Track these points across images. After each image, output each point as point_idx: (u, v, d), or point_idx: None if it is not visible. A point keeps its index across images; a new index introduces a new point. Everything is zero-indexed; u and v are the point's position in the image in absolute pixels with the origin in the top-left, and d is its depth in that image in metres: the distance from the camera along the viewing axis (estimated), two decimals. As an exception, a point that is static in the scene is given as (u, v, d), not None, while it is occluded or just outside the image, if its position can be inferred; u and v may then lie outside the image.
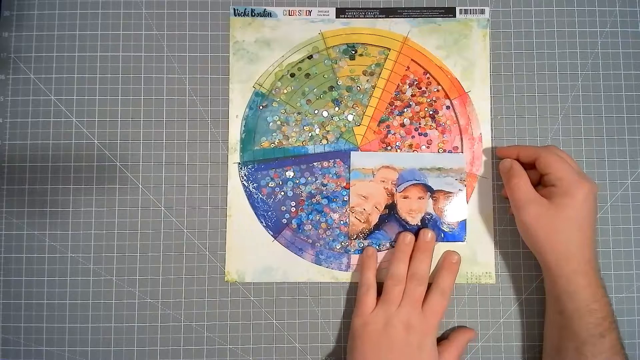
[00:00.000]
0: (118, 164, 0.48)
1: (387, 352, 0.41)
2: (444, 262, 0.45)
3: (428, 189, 0.47)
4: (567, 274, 0.41)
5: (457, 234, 0.47)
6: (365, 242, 0.47)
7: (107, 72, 0.48)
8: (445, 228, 0.47)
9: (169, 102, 0.48)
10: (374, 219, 0.47)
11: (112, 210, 0.47)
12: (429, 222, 0.47)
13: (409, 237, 0.45)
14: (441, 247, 0.47)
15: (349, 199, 0.47)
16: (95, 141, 0.48)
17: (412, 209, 0.47)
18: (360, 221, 0.47)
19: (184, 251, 0.47)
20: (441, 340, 0.45)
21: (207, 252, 0.47)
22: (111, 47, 0.48)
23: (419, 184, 0.47)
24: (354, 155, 0.48)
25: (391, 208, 0.47)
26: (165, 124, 0.48)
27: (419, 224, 0.47)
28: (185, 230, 0.47)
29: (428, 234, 0.45)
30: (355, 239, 0.47)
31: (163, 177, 0.48)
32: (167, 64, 0.48)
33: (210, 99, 0.48)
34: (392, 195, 0.47)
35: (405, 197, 0.47)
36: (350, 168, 0.47)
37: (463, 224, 0.47)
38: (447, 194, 0.47)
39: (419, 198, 0.47)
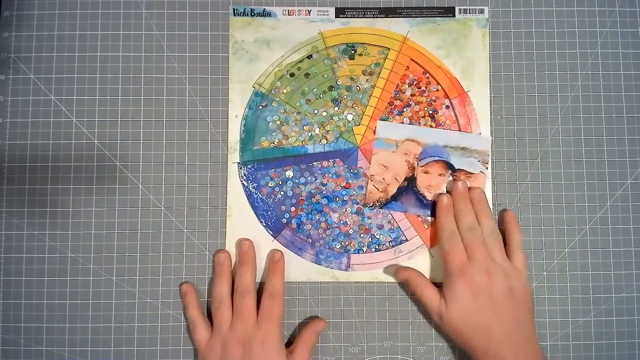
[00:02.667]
0: (118, 164, 0.48)
1: None
2: (268, 263, 0.46)
3: (449, 167, 0.47)
4: None
5: None
6: (381, 212, 0.47)
7: (107, 72, 0.48)
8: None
9: (169, 102, 0.48)
10: (392, 190, 0.47)
11: (112, 210, 0.47)
12: None
13: (222, 255, 0.45)
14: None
15: (350, 199, 0.47)
16: (95, 141, 0.48)
17: (431, 184, 0.47)
18: (379, 190, 0.47)
19: (184, 251, 0.47)
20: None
21: (207, 252, 0.47)
22: (111, 47, 0.49)
23: (441, 160, 0.47)
24: (380, 124, 0.48)
25: (410, 181, 0.47)
26: (165, 124, 0.48)
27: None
28: (185, 230, 0.47)
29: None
30: (371, 207, 0.47)
31: (163, 177, 0.48)
32: (167, 64, 0.48)
33: (210, 99, 0.48)
34: (412, 168, 0.47)
35: (426, 172, 0.47)
36: (375, 137, 0.48)
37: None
38: (468, 174, 0.47)
39: (440, 175, 0.47)
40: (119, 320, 0.46)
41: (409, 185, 0.47)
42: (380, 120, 0.48)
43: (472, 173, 0.47)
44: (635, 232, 0.47)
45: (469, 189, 0.46)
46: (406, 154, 0.47)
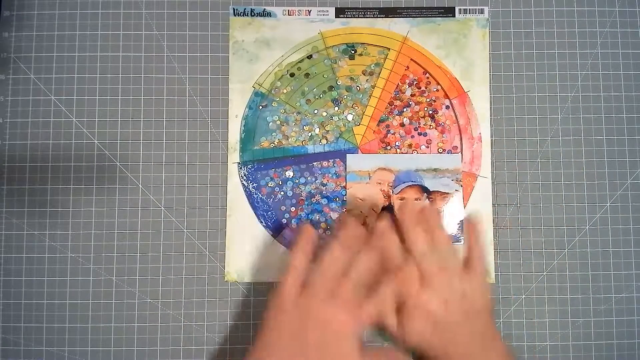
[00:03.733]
0: (118, 164, 0.48)
1: None
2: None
3: (424, 190, 0.47)
4: None
5: (455, 234, 0.47)
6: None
7: (107, 72, 0.48)
8: None
9: (169, 102, 0.48)
10: (371, 222, 0.47)
11: (112, 210, 0.47)
12: None
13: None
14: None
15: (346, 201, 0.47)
16: (95, 141, 0.48)
17: None
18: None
19: (184, 251, 0.47)
20: None
21: (207, 252, 0.47)
22: (111, 47, 0.48)
23: (415, 185, 0.47)
24: (349, 157, 0.48)
25: (388, 210, 0.47)
26: (165, 124, 0.48)
27: None
28: (185, 230, 0.47)
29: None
30: None
31: (163, 177, 0.48)
32: (167, 64, 0.48)
33: (210, 99, 0.48)
34: (388, 197, 0.47)
35: (402, 199, 0.47)
36: (347, 171, 0.47)
37: (460, 224, 0.47)
38: (444, 194, 0.47)
39: (416, 199, 0.47)
40: (119, 320, 0.46)
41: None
42: (349, 154, 0.47)
43: (447, 193, 0.47)
44: (635, 232, 0.47)
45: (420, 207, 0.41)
46: (380, 183, 0.47)
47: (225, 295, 0.47)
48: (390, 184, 0.47)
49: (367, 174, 0.47)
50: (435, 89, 0.49)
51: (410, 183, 0.47)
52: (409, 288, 0.38)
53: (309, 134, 0.48)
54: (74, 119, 0.48)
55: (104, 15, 0.49)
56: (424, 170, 0.47)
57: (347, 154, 0.48)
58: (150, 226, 0.47)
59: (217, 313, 0.46)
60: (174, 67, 0.48)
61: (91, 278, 0.47)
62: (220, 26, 0.49)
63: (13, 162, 0.47)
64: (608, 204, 0.48)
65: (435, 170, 0.47)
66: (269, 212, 0.47)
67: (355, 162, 0.48)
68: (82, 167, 0.47)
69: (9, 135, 0.48)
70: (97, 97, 0.48)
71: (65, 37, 0.48)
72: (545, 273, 0.47)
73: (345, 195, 0.47)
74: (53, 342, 0.46)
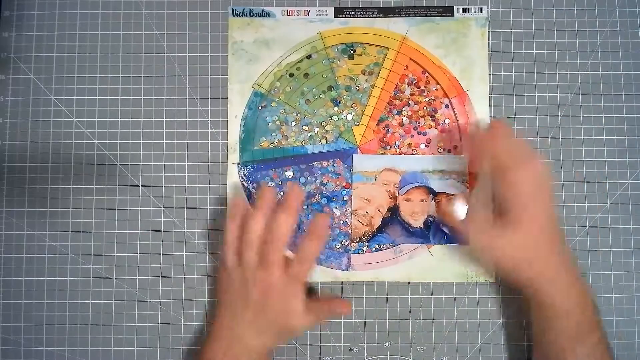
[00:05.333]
0: (118, 164, 0.48)
1: None
2: (309, 225, 0.42)
3: (430, 191, 0.47)
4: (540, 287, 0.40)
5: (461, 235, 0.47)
6: (366, 246, 0.47)
7: (107, 72, 0.48)
8: (448, 230, 0.47)
9: (169, 102, 0.48)
10: (377, 222, 0.47)
11: (112, 210, 0.47)
12: (432, 225, 0.47)
13: (269, 189, 0.43)
14: (445, 250, 0.47)
15: (350, 200, 0.47)
16: (95, 141, 0.48)
17: (415, 211, 0.47)
18: (363, 224, 0.47)
19: (184, 251, 0.47)
20: None
21: (207, 252, 0.47)
22: (111, 47, 0.49)
23: (421, 186, 0.47)
24: (355, 158, 0.48)
25: (394, 211, 0.47)
26: (165, 124, 0.48)
27: (422, 226, 0.47)
28: (185, 230, 0.47)
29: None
30: (358, 242, 0.47)
31: (163, 177, 0.48)
32: (167, 64, 0.48)
33: (210, 99, 0.48)
34: (394, 197, 0.47)
35: (407, 200, 0.47)
36: (353, 171, 0.47)
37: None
38: (450, 196, 0.47)
39: (422, 200, 0.47)
40: (119, 320, 0.46)
41: (393, 216, 0.47)
42: (355, 155, 0.47)
43: (453, 194, 0.47)
44: (635, 232, 0.47)
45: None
46: (385, 184, 0.47)
47: (225, 295, 0.47)
48: (396, 185, 0.47)
49: (373, 175, 0.47)
50: (434, 89, 0.49)
51: (416, 184, 0.47)
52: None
53: (309, 134, 0.48)
54: (74, 119, 0.48)
55: (104, 15, 0.49)
56: (430, 172, 0.47)
57: (353, 155, 0.48)
58: (150, 226, 0.47)
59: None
60: (174, 67, 0.48)
61: (91, 278, 0.47)
62: (220, 26, 0.49)
63: (13, 162, 0.47)
64: (608, 204, 0.48)
65: (441, 171, 0.47)
66: (269, 212, 0.47)
67: (360, 162, 0.48)
68: (82, 167, 0.47)
69: (9, 135, 0.48)
70: (97, 97, 0.48)
71: (65, 37, 0.48)
72: (545, 273, 0.47)
73: (345, 195, 0.47)
74: (53, 342, 0.46)
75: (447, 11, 0.49)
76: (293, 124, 0.48)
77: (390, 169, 0.47)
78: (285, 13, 0.49)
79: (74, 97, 0.48)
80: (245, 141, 0.48)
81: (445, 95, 0.48)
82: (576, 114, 0.48)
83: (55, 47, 0.48)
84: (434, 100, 0.48)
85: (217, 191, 0.48)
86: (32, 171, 0.47)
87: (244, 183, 0.48)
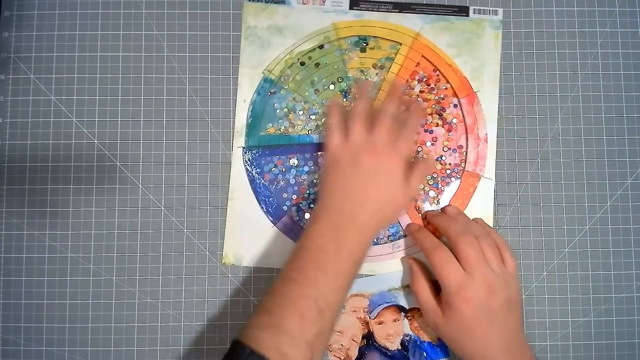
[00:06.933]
0: (118, 164, 0.48)
1: None
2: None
3: (401, 309, 0.46)
4: None
5: (441, 349, 0.46)
6: None
7: (107, 72, 0.48)
8: (427, 346, 0.46)
9: (169, 102, 0.48)
10: (354, 353, 0.45)
11: (112, 210, 0.47)
12: (410, 344, 0.45)
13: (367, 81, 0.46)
14: None
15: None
16: (95, 141, 0.48)
17: (390, 333, 0.45)
18: (340, 359, 0.45)
19: (184, 251, 0.47)
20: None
21: (207, 252, 0.47)
22: (111, 47, 0.48)
23: (391, 305, 0.46)
24: None
25: (369, 338, 0.46)
26: (165, 124, 0.48)
27: (400, 347, 0.45)
28: (185, 230, 0.47)
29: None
30: None
31: (163, 177, 0.48)
32: (167, 64, 0.48)
33: (210, 99, 0.48)
34: (366, 324, 0.46)
35: (380, 323, 0.46)
36: None
37: None
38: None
39: (394, 320, 0.46)
40: (119, 320, 0.46)
41: (369, 343, 0.45)
42: None
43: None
44: (635, 232, 0.47)
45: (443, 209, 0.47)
46: (355, 311, 0.46)
47: (225, 295, 0.47)
48: (366, 310, 0.46)
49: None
50: (444, 87, 0.48)
51: (386, 305, 0.46)
52: (449, 278, 0.40)
53: (316, 124, 0.48)
54: (74, 119, 0.48)
55: (104, 15, 0.49)
56: (396, 289, 0.46)
57: None
58: (150, 226, 0.47)
59: (217, 313, 0.46)
60: (174, 67, 0.48)
61: (91, 278, 0.47)
62: (221, 26, 0.49)
63: (13, 162, 0.47)
64: (608, 204, 0.48)
65: (407, 286, 0.46)
66: (270, 199, 0.47)
67: None
68: (82, 167, 0.47)
69: (9, 135, 0.48)
70: (97, 97, 0.48)
71: (65, 37, 0.48)
72: (545, 273, 0.47)
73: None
74: (53, 342, 0.46)
75: (462, 11, 0.49)
76: (301, 112, 0.48)
77: (356, 294, 0.46)
78: (301, 1, 0.49)
79: (74, 97, 0.48)
80: (252, 126, 0.48)
81: (455, 94, 0.48)
82: (576, 114, 0.48)
83: (55, 47, 0.48)
84: (443, 98, 0.48)
85: (217, 191, 0.47)
86: (32, 171, 0.47)
87: (248, 167, 0.47)
